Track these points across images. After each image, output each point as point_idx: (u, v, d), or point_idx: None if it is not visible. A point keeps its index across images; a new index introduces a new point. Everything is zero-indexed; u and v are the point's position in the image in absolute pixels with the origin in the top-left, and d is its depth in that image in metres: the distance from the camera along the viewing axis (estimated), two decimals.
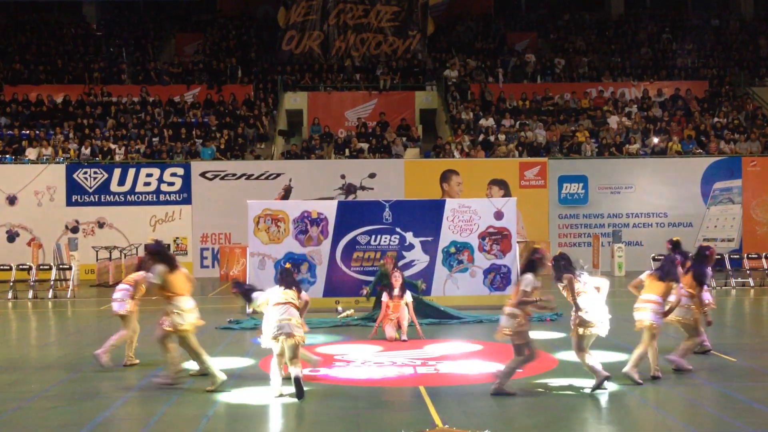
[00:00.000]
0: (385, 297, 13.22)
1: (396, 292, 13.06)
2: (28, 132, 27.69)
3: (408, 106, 30.70)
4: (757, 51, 34.57)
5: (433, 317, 14.84)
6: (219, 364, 11.18)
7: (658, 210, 26.38)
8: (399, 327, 12.88)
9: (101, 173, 25.56)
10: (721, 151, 27.40)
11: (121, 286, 11.36)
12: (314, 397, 9.19)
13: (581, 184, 26.26)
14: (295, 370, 9.11)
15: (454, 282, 16.61)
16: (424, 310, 14.91)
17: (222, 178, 25.78)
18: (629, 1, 38.40)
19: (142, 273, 10.85)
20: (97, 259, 23.48)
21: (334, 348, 12.32)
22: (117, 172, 25.65)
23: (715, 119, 29.62)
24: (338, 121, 30.14)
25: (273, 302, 9.44)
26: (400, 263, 15.49)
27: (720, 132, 28.72)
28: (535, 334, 13.32)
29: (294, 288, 9.66)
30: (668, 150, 27.43)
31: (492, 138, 27.95)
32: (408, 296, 13.25)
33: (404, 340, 12.59)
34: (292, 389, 8.97)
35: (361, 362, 11.09)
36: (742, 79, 32.27)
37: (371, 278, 15.86)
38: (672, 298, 9.91)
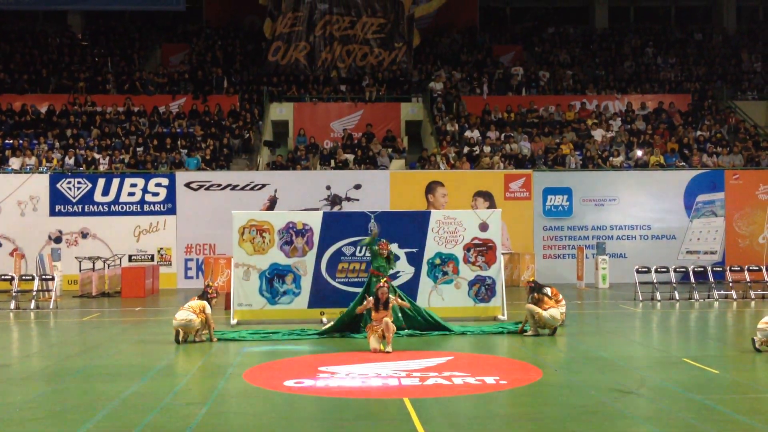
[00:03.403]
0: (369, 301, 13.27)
1: (381, 305, 13.09)
2: (11, 141, 27.56)
3: (394, 117, 30.78)
4: (739, 65, 34.91)
5: (420, 329, 14.84)
6: (203, 376, 11.16)
7: (642, 222, 26.54)
8: (383, 338, 12.86)
9: (85, 183, 25.45)
10: (704, 165, 27.62)
11: None
12: (299, 409, 9.17)
13: (566, 197, 26.39)
14: None
15: (439, 293, 16.63)
16: (412, 320, 14.90)
17: (207, 189, 25.74)
18: (613, 15, 38.74)
19: None
20: (80, 270, 23.36)
21: (318, 359, 12.30)
22: (101, 182, 25.55)
23: (698, 132, 29.86)
24: (324, 132, 30.19)
25: None
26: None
27: (703, 145, 28.95)
28: (517, 346, 13.36)
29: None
30: (649, 163, 27.63)
31: (477, 150, 28.05)
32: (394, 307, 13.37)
33: (388, 352, 12.58)
34: None
35: (346, 374, 11.07)
36: (725, 92, 32.57)
37: (356, 289, 15.83)
38: None
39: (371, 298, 13.50)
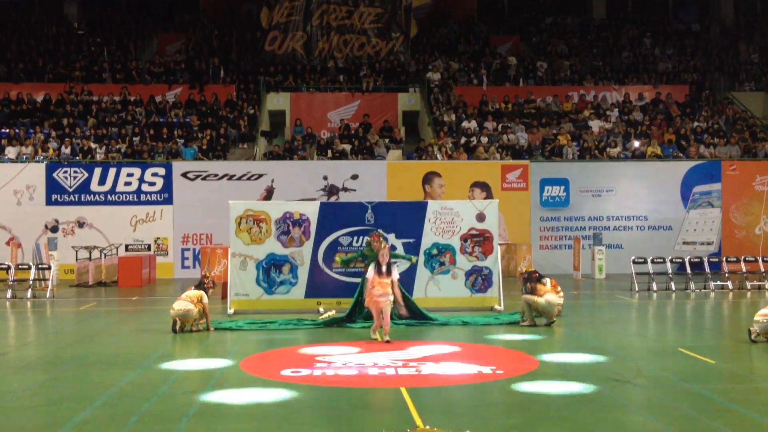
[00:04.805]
0: (370, 273, 12.95)
1: (383, 269, 12.84)
2: (7, 131, 27.51)
3: (391, 107, 30.74)
4: (737, 56, 34.89)
5: (412, 318, 14.87)
6: (200, 365, 11.16)
7: (639, 213, 26.58)
8: (381, 328, 12.87)
9: (81, 172, 25.42)
10: (701, 156, 27.64)
11: None
12: (295, 399, 9.19)
13: (563, 187, 26.40)
14: None
15: (435, 284, 16.64)
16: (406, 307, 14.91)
17: (203, 179, 25.72)
18: (611, 5, 38.70)
19: None
20: (76, 259, 23.34)
21: (314, 349, 12.31)
22: (97, 171, 25.53)
23: (695, 123, 29.87)
24: (321, 122, 30.15)
25: None
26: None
27: (700, 136, 28.97)
28: (513, 336, 13.40)
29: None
30: (646, 154, 27.63)
31: (474, 140, 28.03)
32: (395, 274, 13.06)
33: (387, 341, 12.59)
34: None
35: (342, 363, 11.08)
36: (722, 83, 32.58)
37: (353, 279, 15.81)
38: None
39: (372, 273, 13.09)
